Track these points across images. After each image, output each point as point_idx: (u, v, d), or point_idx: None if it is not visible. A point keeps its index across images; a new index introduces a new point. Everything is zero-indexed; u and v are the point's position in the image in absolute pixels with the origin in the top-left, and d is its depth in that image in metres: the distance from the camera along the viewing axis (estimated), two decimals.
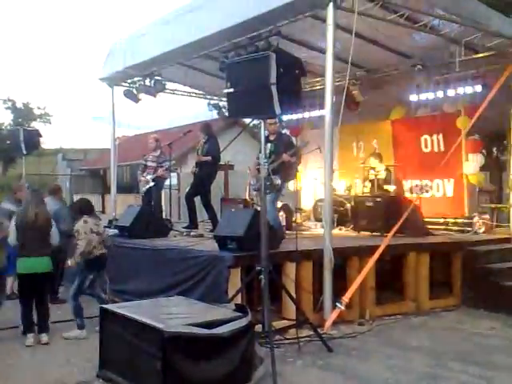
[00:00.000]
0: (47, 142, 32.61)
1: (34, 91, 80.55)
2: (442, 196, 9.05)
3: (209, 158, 7.96)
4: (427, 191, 9.04)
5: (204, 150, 8.11)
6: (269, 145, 6.85)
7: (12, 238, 5.24)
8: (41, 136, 9.42)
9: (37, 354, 4.87)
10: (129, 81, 10.01)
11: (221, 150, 8.43)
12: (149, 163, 8.60)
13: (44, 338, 5.14)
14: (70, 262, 5.43)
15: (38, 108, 41.42)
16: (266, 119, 5.27)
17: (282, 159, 6.75)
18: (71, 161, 28.62)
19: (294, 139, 7.30)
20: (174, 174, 12.16)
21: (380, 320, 6.13)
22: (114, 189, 10.52)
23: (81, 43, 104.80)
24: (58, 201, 7.25)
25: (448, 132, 8.85)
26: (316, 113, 10.62)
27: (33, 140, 8.95)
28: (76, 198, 12.45)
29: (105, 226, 6.99)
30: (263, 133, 5.15)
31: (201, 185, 8.13)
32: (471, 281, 6.96)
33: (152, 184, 8.44)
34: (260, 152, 5.14)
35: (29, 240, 5.18)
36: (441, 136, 9.06)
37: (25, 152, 8.75)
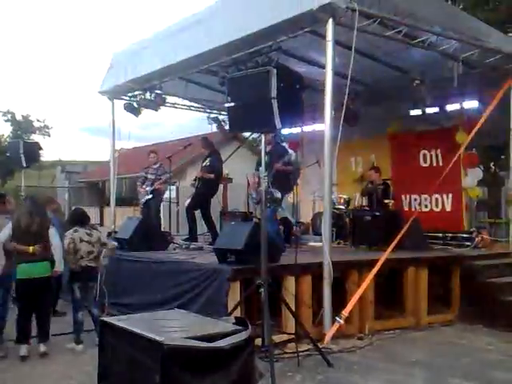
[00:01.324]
0: (46, 155, 32.75)
1: (33, 103, 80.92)
2: (441, 210, 9.08)
3: (211, 176, 8.02)
4: (426, 206, 9.08)
5: (206, 165, 8.16)
6: (266, 157, 6.90)
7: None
8: (41, 149, 9.49)
9: (35, 367, 4.85)
10: (129, 94, 10.06)
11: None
12: (149, 176, 8.69)
13: (42, 348, 5.07)
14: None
15: (38, 120, 41.70)
16: (267, 133, 5.31)
17: (274, 169, 6.76)
18: (70, 173, 28.65)
19: (291, 152, 7.31)
20: (173, 188, 12.22)
21: (379, 334, 6.12)
22: (113, 201, 10.53)
23: (81, 56, 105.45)
24: (51, 212, 7.20)
25: (446, 147, 8.91)
26: (315, 127, 10.71)
27: (33, 152, 9.00)
28: None
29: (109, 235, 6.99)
30: (264, 146, 5.19)
31: (202, 198, 8.18)
32: (470, 296, 6.96)
33: (150, 196, 8.48)
34: (259, 165, 5.17)
35: (27, 242, 5.10)
36: (439, 151, 9.12)
37: (25, 165, 8.79)
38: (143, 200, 8.58)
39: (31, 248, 5.05)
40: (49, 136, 42.18)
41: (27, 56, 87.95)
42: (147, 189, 8.52)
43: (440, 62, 7.89)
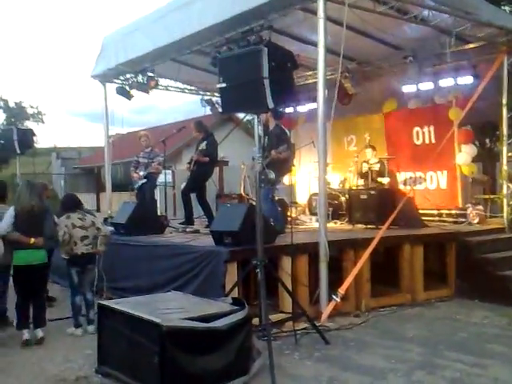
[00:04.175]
0: (41, 141, 32.59)
1: (26, 90, 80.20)
2: (436, 188, 9.10)
3: (207, 159, 8.00)
4: (421, 183, 9.11)
5: (202, 149, 8.12)
6: (266, 138, 6.90)
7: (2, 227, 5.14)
8: (34, 135, 9.42)
9: (35, 351, 4.88)
10: (121, 78, 9.99)
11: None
12: (141, 159, 8.65)
13: (39, 333, 5.11)
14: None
15: (31, 107, 41.37)
16: (260, 114, 5.28)
17: (271, 156, 6.75)
18: (65, 159, 28.56)
19: (287, 132, 7.26)
20: (168, 171, 12.19)
21: (376, 311, 6.18)
22: (109, 186, 10.53)
23: (74, 40, 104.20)
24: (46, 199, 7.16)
25: (440, 124, 8.90)
26: (309, 106, 10.67)
27: (27, 139, 8.94)
28: None
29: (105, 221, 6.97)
30: (257, 127, 5.16)
31: (197, 181, 8.16)
32: (465, 271, 7.03)
33: (144, 180, 8.47)
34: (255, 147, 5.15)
35: (25, 231, 5.10)
36: (432, 128, 9.11)
37: (19, 151, 8.73)
38: (137, 185, 8.55)
39: (32, 240, 5.09)
40: (43, 122, 41.98)
41: (19, 42, 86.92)
42: (141, 173, 8.49)
43: (433, 38, 7.85)
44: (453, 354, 4.74)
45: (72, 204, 5.74)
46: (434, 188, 9.13)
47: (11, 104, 39.81)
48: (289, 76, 4.72)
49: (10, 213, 5.15)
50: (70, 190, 21.51)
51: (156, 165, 8.47)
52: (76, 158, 29.06)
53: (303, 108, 10.95)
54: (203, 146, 8.14)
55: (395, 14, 6.80)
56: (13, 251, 5.13)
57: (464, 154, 8.67)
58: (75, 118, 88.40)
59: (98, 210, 20.08)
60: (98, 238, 5.59)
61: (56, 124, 78.56)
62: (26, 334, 5.05)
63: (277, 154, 6.80)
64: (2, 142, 8.89)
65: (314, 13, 5.98)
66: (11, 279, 5.30)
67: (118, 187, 13.21)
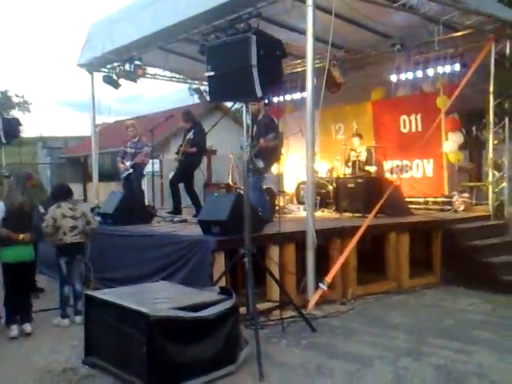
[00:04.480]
0: (27, 131, 32.15)
1: (12, 79, 79.03)
2: (422, 176, 9.16)
3: (194, 149, 7.97)
4: (407, 171, 9.16)
5: (189, 139, 8.08)
6: (255, 127, 6.88)
7: None
8: (21, 125, 9.32)
9: (23, 344, 4.86)
10: (108, 66, 9.88)
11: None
12: (128, 150, 8.56)
13: (28, 327, 5.10)
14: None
15: (17, 96, 40.82)
16: (248, 102, 5.26)
17: (260, 145, 6.74)
18: (51, 149, 28.20)
19: (276, 120, 7.24)
20: (156, 161, 12.12)
21: (362, 299, 6.24)
22: (95, 176, 10.45)
23: (61, 28, 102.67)
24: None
25: (427, 112, 8.94)
26: (297, 95, 10.65)
27: (12, 129, 8.85)
28: None
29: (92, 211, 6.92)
30: (245, 116, 5.15)
31: (185, 171, 8.14)
32: (451, 259, 7.10)
33: (131, 171, 8.40)
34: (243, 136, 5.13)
35: (18, 227, 5.08)
36: (419, 116, 9.15)
37: (4, 141, 8.64)
38: (124, 175, 8.49)
39: (21, 236, 5.08)
40: (28, 112, 41.48)
41: (4, 31, 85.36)
42: (127, 163, 8.42)
43: (421, 26, 7.85)
44: (438, 340, 4.80)
45: (63, 193, 5.71)
46: (420, 176, 9.20)
47: None
48: (277, 64, 4.69)
49: (0, 208, 5.08)
50: (56, 179, 21.28)
51: (142, 156, 8.39)
52: (62, 148, 28.72)
53: (291, 96, 10.92)
54: (190, 135, 8.11)
55: (384, 1, 6.78)
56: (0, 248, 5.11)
57: (451, 142, 8.73)
58: (61, 107, 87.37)
59: (85, 199, 19.95)
60: (86, 230, 5.56)
61: (42, 113, 77.56)
62: (14, 330, 5.03)
63: (265, 143, 6.78)
64: None
65: (303, 1, 5.94)
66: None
67: (105, 177, 13.11)
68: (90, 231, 5.62)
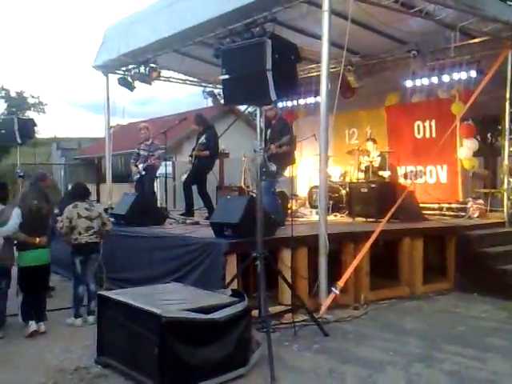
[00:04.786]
0: (41, 132, 32.52)
1: (27, 80, 79.95)
2: (436, 182, 9.11)
3: (207, 153, 8.00)
4: (421, 177, 9.11)
5: (202, 143, 8.11)
6: (269, 131, 6.89)
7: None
8: (35, 125, 9.37)
9: (36, 342, 4.90)
10: (123, 68, 9.97)
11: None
12: (141, 152, 8.60)
13: (42, 327, 5.15)
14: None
15: (32, 97, 41.20)
16: (262, 106, 5.27)
17: (271, 151, 6.72)
18: (66, 150, 28.49)
19: (290, 124, 7.25)
20: (169, 163, 12.19)
21: (374, 304, 6.20)
22: (109, 177, 10.53)
23: (75, 30, 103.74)
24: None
25: (441, 118, 8.89)
26: (311, 100, 10.64)
27: (27, 129, 8.90)
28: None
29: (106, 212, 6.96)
30: (259, 120, 5.16)
31: (198, 174, 8.18)
32: (465, 265, 7.04)
33: (143, 173, 8.45)
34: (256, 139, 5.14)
35: (34, 231, 5.15)
36: (433, 122, 9.11)
37: (19, 141, 8.70)
38: (135, 178, 8.54)
39: (38, 239, 5.16)
40: (44, 113, 41.79)
41: (21, 32, 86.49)
42: (140, 166, 8.46)
43: (437, 32, 7.81)
44: (451, 347, 4.76)
45: (80, 193, 5.77)
46: (433, 182, 9.15)
47: (12, 94, 39.69)
48: (292, 68, 4.70)
49: (16, 213, 5.10)
50: (70, 180, 21.50)
51: (154, 159, 8.42)
52: (76, 149, 29.00)
53: (305, 101, 10.93)
54: (203, 139, 8.15)
55: (400, 7, 6.76)
56: (16, 252, 5.18)
57: (465, 149, 8.67)
58: (76, 108, 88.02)
59: (98, 200, 20.05)
60: (101, 231, 5.61)
61: (57, 114, 78.15)
62: (33, 325, 5.07)
63: (276, 149, 6.78)
64: (3, 131, 8.86)
65: (319, 6, 5.95)
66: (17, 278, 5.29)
67: (118, 178, 13.23)
68: (105, 233, 5.67)
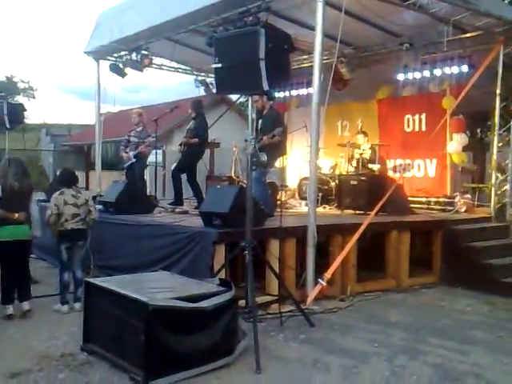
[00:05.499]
0: (31, 117, 32.15)
1: (17, 64, 78.96)
2: (424, 176, 9.16)
3: (196, 140, 7.98)
4: (409, 170, 9.16)
5: (190, 129, 8.10)
6: (260, 120, 6.87)
7: None
8: (25, 110, 9.26)
9: (21, 328, 4.87)
10: (115, 55, 9.88)
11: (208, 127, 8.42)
12: (131, 138, 8.53)
13: (26, 305, 5.13)
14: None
15: (22, 82, 40.76)
16: (253, 95, 5.25)
17: (263, 141, 6.71)
18: (55, 136, 28.23)
19: (281, 115, 7.22)
20: (159, 151, 12.11)
21: (361, 296, 6.25)
22: (98, 164, 10.48)
23: (66, 15, 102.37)
24: None
25: (432, 112, 8.93)
26: (303, 91, 10.63)
27: (17, 114, 8.81)
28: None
29: (94, 199, 6.93)
30: (250, 109, 5.14)
31: (187, 162, 8.15)
32: (450, 259, 7.11)
33: (134, 160, 8.40)
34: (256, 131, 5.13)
35: (13, 207, 5.09)
36: (423, 116, 9.14)
37: (8, 126, 8.62)
38: (127, 164, 8.49)
39: (16, 215, 5.11)
40: (34, 98, 41.41)
41: (11, 16, 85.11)
42: (130, 153, 8.41)
43: (430, 26, 7.82)
44: (435, 339, 4.82)
45: (67, 179, 5.70)
46: (421, 176, 9.20)
47: (2, 78, 39.25)
48: (285, 58, 4.68)
49: None
50: (58, 167, 21.32)
51: (144, 147, 8.37)
52: (66, 135, 28.74)
53: (297, 92, 10.91)
54: (191, 125, 8.15)
55: (394, 0, 6.75)
56: None
57: (455, 143, 8.72)
58: (66, 94, 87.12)
59: (87, 188, 19.95)
60: (87, 219, 5.57)
61: (47, 100, 77.40)
62: (10, 308, 5.07)
63: (268, 139, 6.77)
64: None
65: None
66: None
67: (107, 166, 13.17)
68: (91, 221, 5.62)
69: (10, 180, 5.13)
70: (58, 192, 5.52)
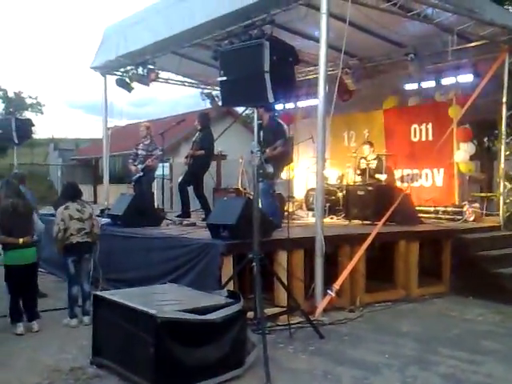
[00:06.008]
0: (39, 132, 32.49)
1: (25, 80, 79.86)
2: (431, 185, 9.13)
3: (202, 152, 8.02)
4: (417, 180, 9.14)
5: (195, 141, 8.15)
6: (262, 132, 6.87)
7: None
8: (33, 125, 9.39)
9: (31, 342, 4.88)
10: (121, 69, 9.98)
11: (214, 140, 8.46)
12: (139, 152, 8.60)
13: (35, 325, 5.16)
14: None
15: (30, 97, 41.17)
16: (259, 107, 5.28)
17: (266, 154, 6.69)
18: (63, 151, 28.50)
19: (285, 127, 7.21)
20: (166, 164, 12.19)
21: (370, 307, 6.21)
22: (106, 178, 10.53)
23: (73, 31, 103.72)
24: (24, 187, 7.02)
25: (438, 121, 8.92)
26: (308, 102, 10.66)
27: (25, 129, 8.92)
28: None
29: (97, 215, 6.97)
30: (256, 121, 5.16)
31: (194, 175, 8.18)
32: (460, 268, 7.05)
33: (141, 174, 8.45)
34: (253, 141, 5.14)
35: (16, 230, 5.10)
36: (430, 125, 9.13)
37: (17, 142, 8.71)
38: (135, 178, 8.54)
39: (21, 240, 5.12)
40: (41, 113, 41.75)
41: (19, 32, 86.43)
42: (138, 166, 8.47)
43: (435, 36, 7.85)
44: (446, 350, 4.77)
45: (71, 193, 5.71)
46: (429, 185, 9.16)
47: (10, 94, 39.66)
48: (290, 70, 4.71)
49: None
50: (67, 181, 21.47)
51: (151, 160, 8.42)
52: (73, 150, 29.00)
53: (302, 103, 10.95)
54: (197, 138, 8.20)
55: (398, 10, 6.79)
56: (1, 251, 5.15)
57: (462, 152, 8.70)
58: (74, 109, 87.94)
59: (95, 201, 20.07)
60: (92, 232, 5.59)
61: (55, 115, 78.18)
62: (20, 328, 5.09)
63: (271, 152, 6.76)
64: (0, 131, 8.86)
65: (317, 8, 5.97)
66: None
67: (115, 179, 13.23)
68: (94, 235, 5.64)
69: (4, 202, 5.15)
70: (63, 207, 5.52)
